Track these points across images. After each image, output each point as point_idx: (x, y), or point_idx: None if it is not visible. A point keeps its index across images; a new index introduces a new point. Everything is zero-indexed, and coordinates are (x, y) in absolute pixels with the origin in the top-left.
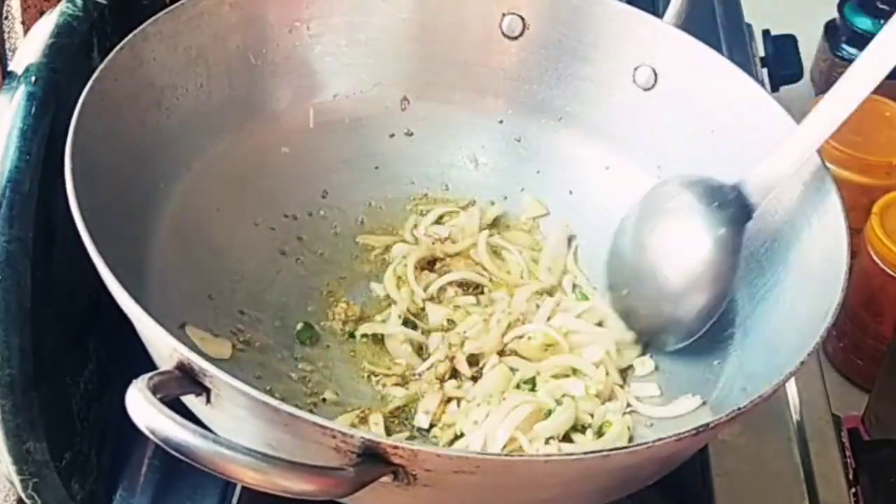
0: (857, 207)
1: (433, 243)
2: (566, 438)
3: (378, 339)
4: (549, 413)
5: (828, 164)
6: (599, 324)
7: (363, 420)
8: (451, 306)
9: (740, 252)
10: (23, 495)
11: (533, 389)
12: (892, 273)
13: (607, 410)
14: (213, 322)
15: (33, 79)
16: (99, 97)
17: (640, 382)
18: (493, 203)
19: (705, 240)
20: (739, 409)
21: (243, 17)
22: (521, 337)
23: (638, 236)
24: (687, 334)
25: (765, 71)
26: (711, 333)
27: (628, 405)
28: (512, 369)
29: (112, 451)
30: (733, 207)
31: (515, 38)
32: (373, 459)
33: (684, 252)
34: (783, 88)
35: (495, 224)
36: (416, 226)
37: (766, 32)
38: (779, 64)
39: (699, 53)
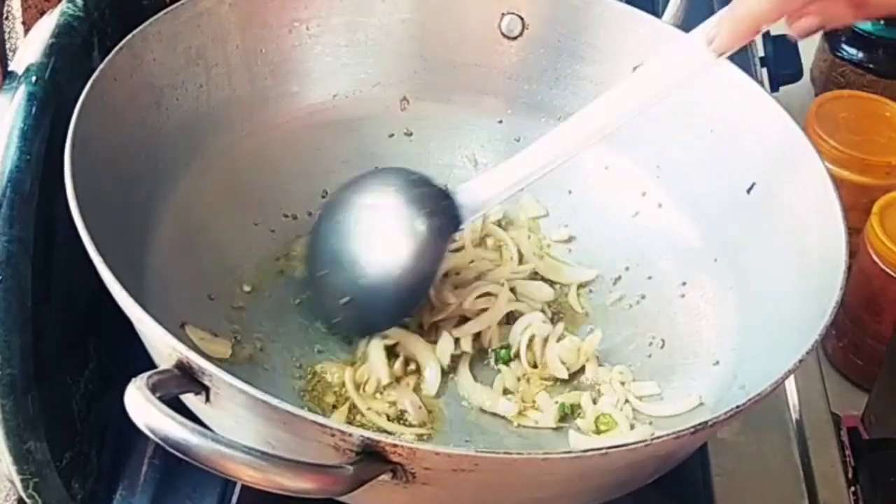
0: (857, 207)
1: None
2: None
3: None
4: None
5: (828, 164)
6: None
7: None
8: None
9: (440, 261)
10: (23, 495)
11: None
12: (892, 273)
13: (601, 393)
14: (213, 322)
15: (34, 79)
16: (99, 97)
17: (639, 381)
18: None
19: (408, 244)
20: (738, 407)
21: (243, 17)
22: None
23: (343, 222)
24: (368, 329)
25: (765, 71)
26: (711, 333)
27: (626, 402)
28: None
29: (112, 450)
30: (442, 218)
31: (515, 38)
32: (372, 457)
33: (385, 251)
34: (783, 88)
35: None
36: None
37: (765, 32)
38: (779, 64)
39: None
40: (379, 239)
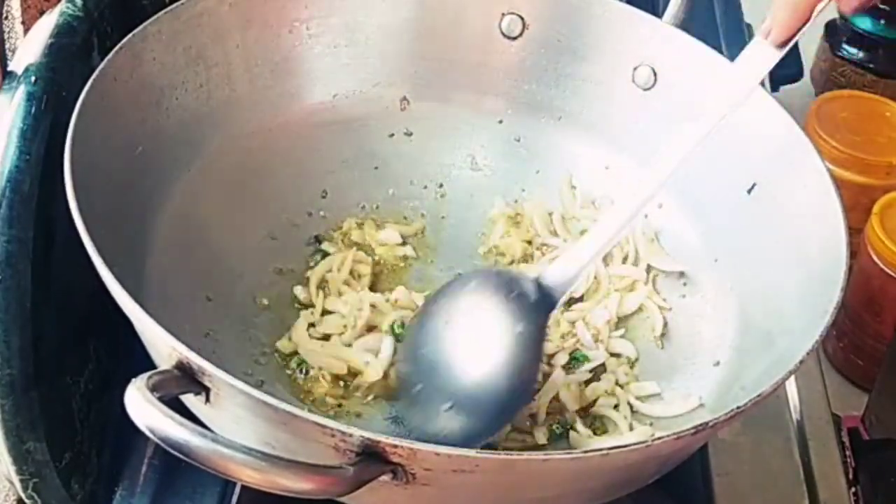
0: (857, 207)
1: None
2: (563, 435)
3: None
4: None
5: (828, 164)
6: None
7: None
8: None
9: (542, 343)
10: (23, 495)
11: None
12: (892, 273)
13: (598, 389)
14: (213, 322)
15: (33, 79)
16: (99, 97)
17: (639, 382)
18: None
19: (504, 335)
20: (738, 408)
21: (243, 17)
22: None
23: (433, 329)
24: (485, 431)
25: None
26: (711, 333)
27: (627, 403)
28: None
29: (112, 451)
30: (534, 298)
31: (515, 38)
32: (372, 458)
33: (482, 346)
34: (783, 88)
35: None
36: None
37: None
38: (779, 64)
39: (699, 53)
40: (477, 340)
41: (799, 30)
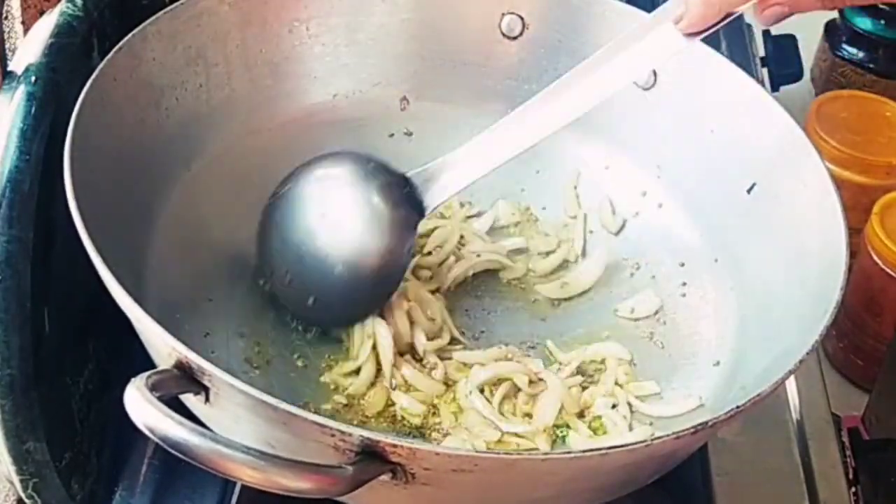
0: (857, 207)
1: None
2: (563, 436)
3: None
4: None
5: (828, 164)
6: None
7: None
8: None
9: (409, 253)
10: (23, 495)
11: None
12: (892, 273)
13: (597, 394)
14: (212, 322)
15: (33, 79)
16: (98, 97)
17: (639, 381)
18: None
19: (375, 239)
20: (738, 407)
21: (243, 17)
22: None
23: (301, 219)
24: (337, 322)
25: (765, 71)
26: (711, 333)
27: (627, 403)
28: None
29: (112, 451)
30: (408, 207)
31: (515, 37)
32: (371, 458)
33: (351, 248)
34: (783, 88)
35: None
36: None
37: (766, 32)
38: (779, 64)
39: (699, 53)
40: (343, 235)
41: (709, 28)
